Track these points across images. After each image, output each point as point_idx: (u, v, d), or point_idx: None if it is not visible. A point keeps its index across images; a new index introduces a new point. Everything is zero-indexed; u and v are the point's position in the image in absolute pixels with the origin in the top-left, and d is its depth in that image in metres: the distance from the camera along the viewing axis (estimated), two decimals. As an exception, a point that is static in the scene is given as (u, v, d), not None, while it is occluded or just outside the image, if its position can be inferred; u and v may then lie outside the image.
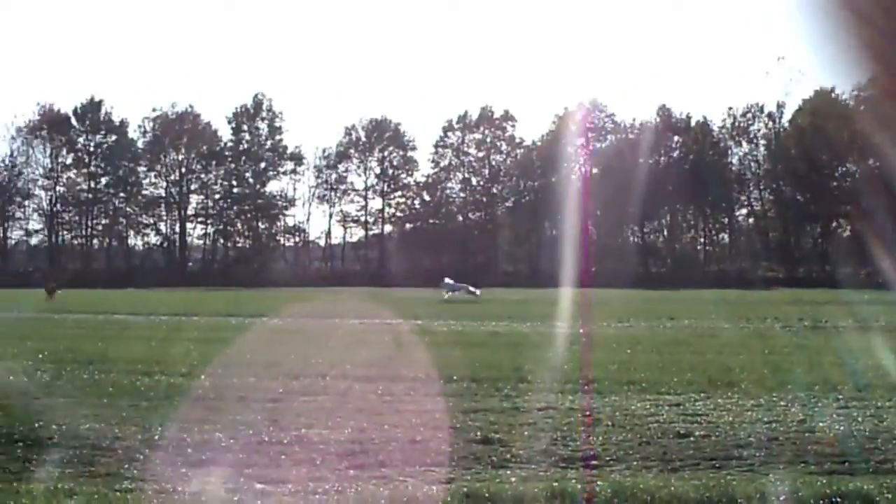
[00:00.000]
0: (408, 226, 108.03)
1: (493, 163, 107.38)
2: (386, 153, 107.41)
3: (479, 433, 9.92)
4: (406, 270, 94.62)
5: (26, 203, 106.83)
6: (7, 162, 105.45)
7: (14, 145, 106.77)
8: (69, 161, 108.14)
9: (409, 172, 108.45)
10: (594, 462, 8.73)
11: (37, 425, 10.02)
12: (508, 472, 8.33)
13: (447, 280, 51.63)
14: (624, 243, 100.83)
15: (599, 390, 13.24)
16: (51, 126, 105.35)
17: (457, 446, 9.32)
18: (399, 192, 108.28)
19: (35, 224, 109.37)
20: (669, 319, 30.30)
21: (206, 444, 9.32)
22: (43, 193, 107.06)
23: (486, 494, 7.24)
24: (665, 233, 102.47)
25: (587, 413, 11.24)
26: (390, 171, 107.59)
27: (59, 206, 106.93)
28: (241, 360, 17.09)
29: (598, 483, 7.67)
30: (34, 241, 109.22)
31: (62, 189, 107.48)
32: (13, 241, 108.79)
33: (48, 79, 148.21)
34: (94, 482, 7.59)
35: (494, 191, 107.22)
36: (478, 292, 48.67)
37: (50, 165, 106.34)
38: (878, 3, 0.94)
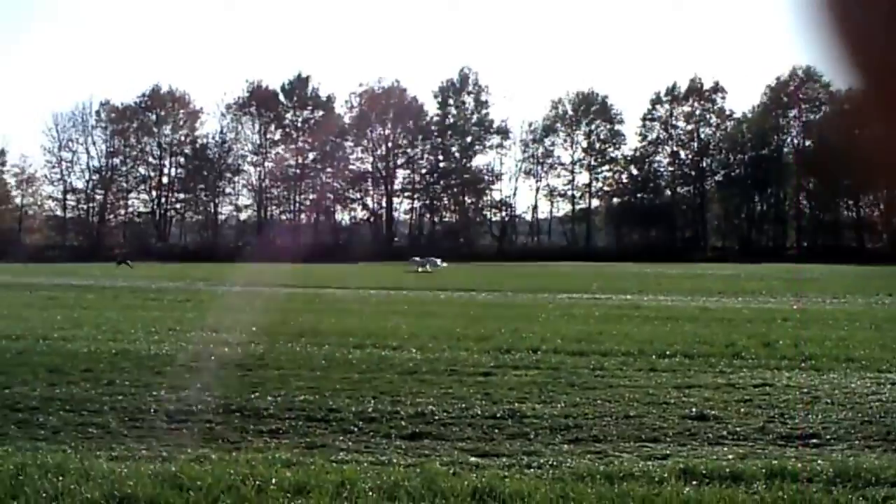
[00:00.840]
0: (615, 200, 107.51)
1: (703, 136, 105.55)
2: (593, 127, 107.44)
3: (693, 409, 9.84)
4: (613, 245, 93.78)
5: (236, 179, 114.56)
6: (217, 138, 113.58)
7: (224, 122, 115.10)
8: (277, 137, 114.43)
9: (617, 146, 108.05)
10: (814, 440, 8.51)
11: (253, 396, 10.63)
12: (725, 448, 8.21)
13: (415, 258, 59.48)
14: (838, 218, 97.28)
15: (817, 367, 13.15)
16: (259, 102, 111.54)
17: (671, 422, 9.28)
18: (606, 167, 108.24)
19: (244, 199, 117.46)
20: (888, 296, 29.69)
21: (418, 416, 9.60)
22: (252, 169, 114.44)
23: (704, 471, 7.12)
24: (881, 207, 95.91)
25: (805, 390, 11.09)
26: (597, 145, 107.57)
27: (267, 181, 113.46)
28: (451, 333, 17.68)
29: (819, 462, 7.44)
30: (243, 216, 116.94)
31: (270, 164, 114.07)
32: (223, 217, 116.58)
33: (257, 57, 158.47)
34: (311, 453, 7.90)
35: (703, 164, 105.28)
36: (441, 264, 56.59)
37: (259, 141, 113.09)
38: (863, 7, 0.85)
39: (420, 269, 55.10)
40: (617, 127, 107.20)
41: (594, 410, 9.83)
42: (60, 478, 6.67)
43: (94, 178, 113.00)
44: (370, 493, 6.44)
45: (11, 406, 9.92)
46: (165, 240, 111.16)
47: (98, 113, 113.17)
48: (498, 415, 9.62)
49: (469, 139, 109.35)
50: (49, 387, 11.17)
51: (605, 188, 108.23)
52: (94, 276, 47.07)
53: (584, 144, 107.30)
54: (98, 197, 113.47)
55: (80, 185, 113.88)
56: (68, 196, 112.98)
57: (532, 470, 7.34)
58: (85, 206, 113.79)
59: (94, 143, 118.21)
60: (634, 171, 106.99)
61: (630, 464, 7.53)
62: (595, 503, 6.40)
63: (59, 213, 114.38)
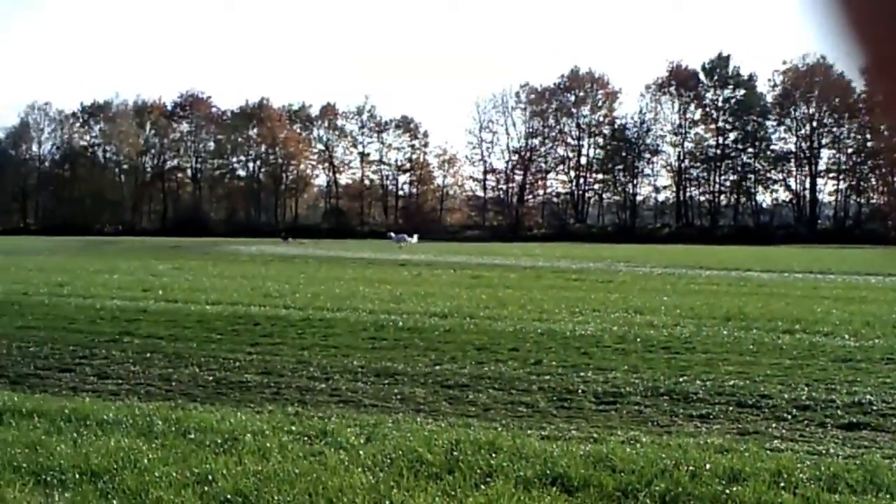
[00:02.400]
0: None
1: None
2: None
3: None
4: None
5: (654, 159, 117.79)
6: (636, 118, 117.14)
7: (643, 102, 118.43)
8: (697, 117, 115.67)
9: None
10: None
11: (681, 380, 11.23)
12: None
13: (390, 234, 69.82)
14: None
15: None
16: (679, 82, 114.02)
17: None
18: None
19: (663, 180, 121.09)
20: None
21: (855, 406, 9.64)
22: (671, 150, 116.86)
23: None
24: None
25: None
26: None
27: (686, 161, 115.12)
28: (886, 320, 17.49)
29: None
30: (661, 197, 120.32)
31: (690, 145, 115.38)
32: (641, 198, 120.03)
33: (676, 37, 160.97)
34: (744, 440, 8.18)
35: None
36: (412, 240, 63.08)
37: (678, 122, 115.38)
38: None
39: (401, 245, 61.11)
40: None
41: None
42: (493, 455, 7.19)
43: (513, 158, 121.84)
44: (808, 484, 6.52)
45: (442, 382, 11.18)
46: (583, 220, 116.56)
47: (518, 95, 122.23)
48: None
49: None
50: (477, 365, 12.44)
51: None
52: (515, 256, 50.53)
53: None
54: (517, 177, 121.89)
55: (499, 165, 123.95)
56: (488, 176, 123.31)
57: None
58: (504, 187, 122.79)
59: (513, 125, 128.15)
60: None
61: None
62: None
63: (479, 193, 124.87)
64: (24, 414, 8.66)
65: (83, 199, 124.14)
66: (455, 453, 7.28)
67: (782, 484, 6.54)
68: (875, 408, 9.49)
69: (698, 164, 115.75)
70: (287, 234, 75.39)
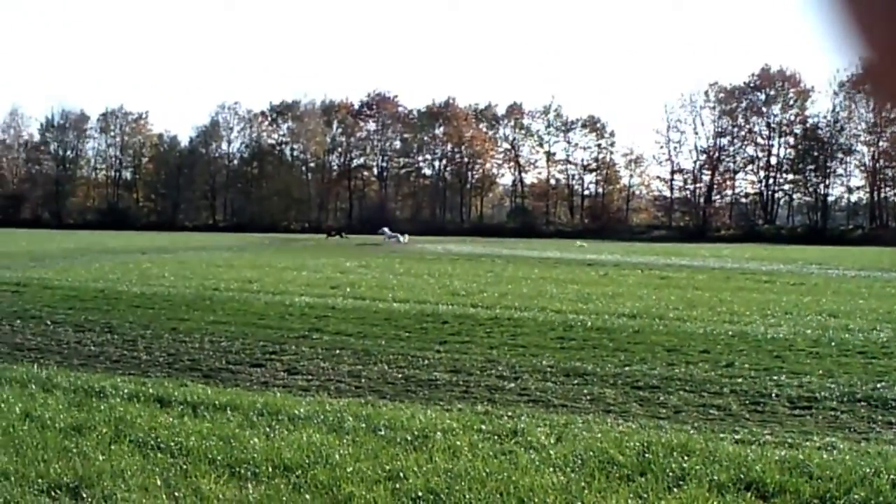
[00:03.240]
0: None
1: None
2: None
3: None
4: None
5: (847, 159, 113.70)
6: (829, 117, 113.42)
7: (836, 100, 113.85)
8: (893, 115, 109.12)
9: None
10: None
11: (879, 385, 10.97)
12: None
13: (384, 230, 68.10)
14: None
15: None
16: None
17: None
18: None
19: (856, 181, 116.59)
20: None
21: None
22: (865, 149, 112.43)
23: None
24: None
25: None
26: None
27: (881, 161, 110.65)
28: None
29: None
30: (854, 197, 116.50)
31: (885, 144, 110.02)
32: (833, 198, 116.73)
33: None
34: None
35: None
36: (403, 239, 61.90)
37: (873, 120, 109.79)
38: None
39: (396, 242, 60.45)
40: None
41: None
42: (685, 458, 7.28)
43: (701, 158, 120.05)
44: None
45: (632, 383, 11.23)
46: (772, 221, 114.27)
47: (706, 94, 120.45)
48: None
49: None
50: (668, 366, 12.45)
51: None
52: (702, 257, 49.67)
53: None
54: (705, 177, 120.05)
55: (687, 165, 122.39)
56: (675, 176, 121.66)
57: None
58: (691, 187, 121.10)
59: (702, 124, 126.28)
60: None
61: None
62: None
63: (665, 193, 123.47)
64: (219, 407, 9.06)
65: (270, 196, 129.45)
66: (647, 455, 7.34)
67: None
68: None
69: (894, 164, 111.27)
70: (336, 231, 75.64)
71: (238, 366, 12.38)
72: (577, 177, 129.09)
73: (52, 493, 6.40)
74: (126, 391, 9.76)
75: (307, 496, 6.40)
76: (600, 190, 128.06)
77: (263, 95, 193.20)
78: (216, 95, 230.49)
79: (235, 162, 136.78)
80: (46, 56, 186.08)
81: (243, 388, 10.60)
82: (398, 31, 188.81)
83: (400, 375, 11.72)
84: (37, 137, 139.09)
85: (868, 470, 6.90)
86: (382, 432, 8.11)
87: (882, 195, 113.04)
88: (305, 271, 31.18)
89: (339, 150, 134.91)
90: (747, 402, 10.23)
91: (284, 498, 6.38)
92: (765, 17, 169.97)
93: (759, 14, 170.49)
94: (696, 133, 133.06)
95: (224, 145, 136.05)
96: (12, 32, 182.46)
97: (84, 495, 6.34)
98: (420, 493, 6.40)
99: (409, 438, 7.88)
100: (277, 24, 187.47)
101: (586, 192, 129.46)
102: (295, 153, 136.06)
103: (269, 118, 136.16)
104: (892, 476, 6.77)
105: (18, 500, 6.26)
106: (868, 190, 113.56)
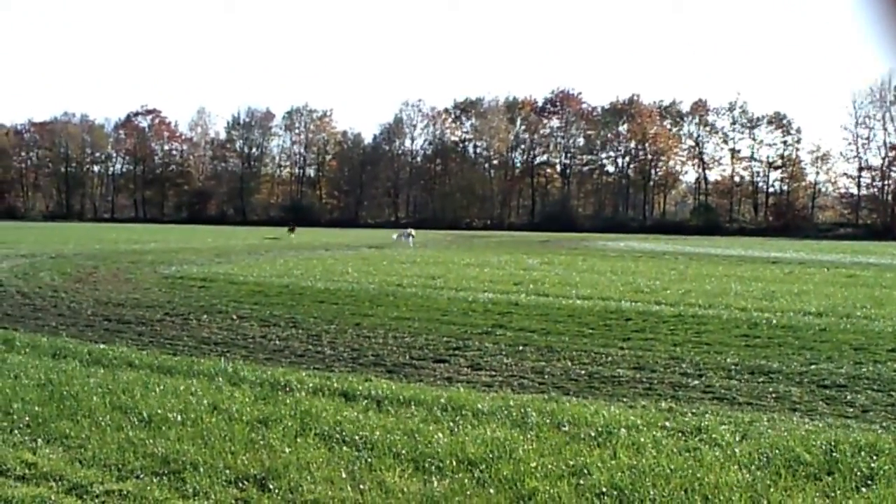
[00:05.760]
0: None
1: None
2: None
3: None
4: None
5: None
6: None
7: None
8: None
9: None
10: None
11: None
12: None
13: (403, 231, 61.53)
14: None
15: None
16: None
17: None
18: None
19: None
20: None
21: None
22: None
23: None
24: None
25: None
26: None
27: None
28: None
29: None
30: None
31: None
32: None
33: None
34: None
35: None
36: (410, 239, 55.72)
37: None
38: None
39: (404, 239, 55.63)
40: None
41: None
42: (874, 458, 7.13)
43: (890, 154, 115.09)
44: None
45: (818, 382, 10.99)
46: None
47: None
48: None
49: None
50: (855, 365, 12.12)
51: None
52: (891, 255, 47.48)
53: None
54: (894, 174, 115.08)
55: (875, 162, 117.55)
56: (863, 173, 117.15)
57: None
58: (879, 184, 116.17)
59: (891, 120, 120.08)
60: None
61: None
62: None
63: (852, 190, 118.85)
64: (403, 402, 9.22)
65: (453, 193, 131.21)
66: (834, 454, 7.24)
67: None
68: None
69: None
70: (293, 226, 71.87)
71: (421, 361, 12.57)
72: (761, 174, 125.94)
73: (240, 485, 6.63)
74: (311, 385, 10.05)
75: (491, 490, 6.43)
76: (785, 187, 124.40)
77: (447, 93, 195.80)
78: (400, 93, 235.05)
79: (418, 159, 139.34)
80: (234, 56, 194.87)
81: (427, 384, 10.74)
82: (581, 28, 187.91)
83: (583, 372, 11.66)
84: (223, 135, 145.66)
85: None
86: (566, 428, 8.09)
87: None
88: (488, 268, 31.38)
89: (522, 147, 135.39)
90: None
91: (469, 492, 6.43)
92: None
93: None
94: (885, 129, 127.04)
95: (407, 142, 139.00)
96: (199, 34, 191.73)
97: (271, 486, 6.56)
98: (604, 489, 6.36)
99: (592, 434, 7.85)
100: (461, 20, 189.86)
101: (771, 190, 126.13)
102: (478, 150, 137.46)
103: (453, 115, 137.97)
104: None
105: (207, 490, 6.52)
106: None
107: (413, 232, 59.97)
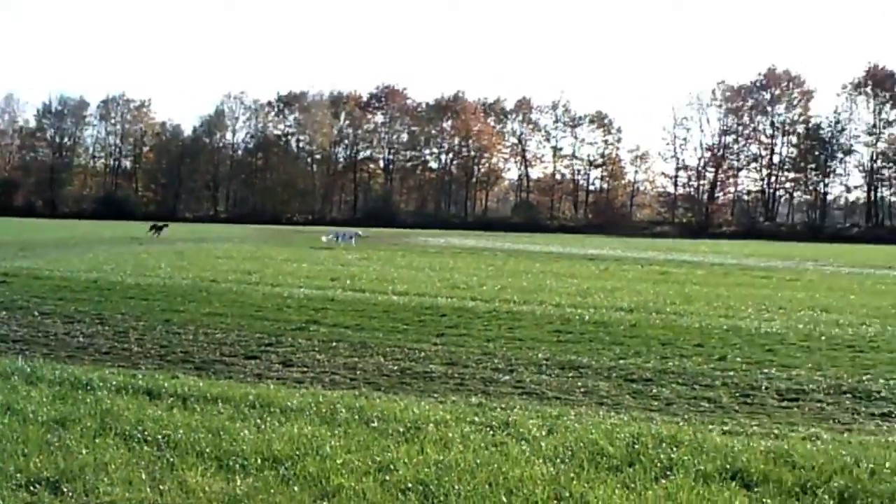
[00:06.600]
0: None
1: None
2: None
3: None
4: None
5: (847, 159, 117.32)
6: (831, 118, 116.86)
7: (839, 101, 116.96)
8: (892, 117, 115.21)
9: None
10: None
11: (864, 378, 11.32)
12: None
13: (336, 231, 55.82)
14: None
15: None
16: (876, 82, 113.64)
17: None
18: None
19: (855, 180, 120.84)
20: None
21: None
22: (864, 150, 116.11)
23: None
24: None
25: None
26: None
27: (879, 162, 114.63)
28: None
29: None
30: (852, 196, 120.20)
31: (884, 145, 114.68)
32: (832, 197, 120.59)
33: (875, 37, 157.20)
34: None
35: None
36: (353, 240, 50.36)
37: (873, 122, 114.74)
38: None
39: (342, 240, 50.54)
40: None
41: None
42: (674, 448, 7.40)
43: (706, 155, 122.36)
44: None
45: (626, 376, 11.43)
46: (773, 219, 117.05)
47: (714, 92, 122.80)
48: None
49: None
50: (662, 359, 12.65)
51: None
52: (703, 253, 50.18)
53: None
54: (709, 174, 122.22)
55: (692, 162, 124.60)
56: (680, 173, 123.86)
57: None
58: (695, 184, 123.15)
59: (708, 122, 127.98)
60: None
61: None
62: None
63: (669, 189, 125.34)
64: (209, 399, 9.02)
65: (274, 187, 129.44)
66: (636, 446, 7.47)
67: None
68: None
69: (891, 164, 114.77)
70: (159, 227, 61.89)
71: (232, 358, 12.37)
72: (582, 172, 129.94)
73: (31, 488, 6.32)
74: (114, 383, 9.68)
75: (295, 488, 6.37)
76: (605, 185, 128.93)
77: (270, 86, 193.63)
78: (222, 85, 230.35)
79: (239, 152, 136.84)
80: (46, 41, 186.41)
81: (236, 381, 10.57)
82: (408, 24, 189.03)
83: (396, 368, 11.73)
84: (32, 124, 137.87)
85: (848, 459, 7.09)
86: (375, 424, 8.09)
87: (879, 195, 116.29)
88: (306, 263, 31.18)
89: (346, 142, 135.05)
90: (737, 394, 10.48)
91: (272, 490, 6.34)
92: (772, 18, 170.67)
93: (767, 14, 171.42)
94: (702, 131, 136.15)
95: (228, 135, 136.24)
96: (10, 16, 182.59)
97: (64, 489, 6.28)
98: (409, 485, 6.38)
99: (400, 430, 7.88)
100: (286, 14, 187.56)
101: (591, 188, 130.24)
102: (301, 144, 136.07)
103: (276, 109, 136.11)
104: (870, 465, 6.94)
105: (-6, 495, 6.19)
106: (865, 189, 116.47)
107: (360, 232, 55.30)
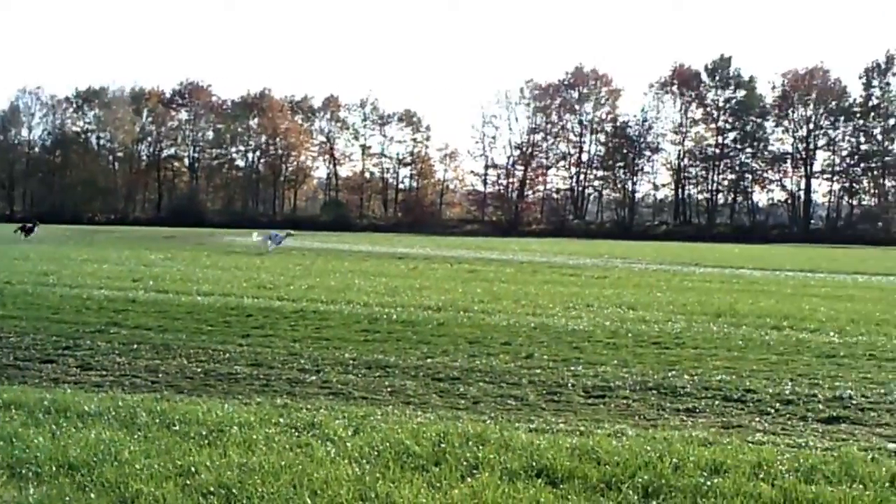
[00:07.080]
0: None
1: None
2: None
3: None
4: None
5: (655, 157, 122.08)
6: (638, 116, 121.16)
7: (646, 100, 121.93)
8: (698, 116, 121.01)
9: None
10: None
11: (670, 374, 11.62)
12: None
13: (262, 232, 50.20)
14: None
15: None
16: (682, 82, 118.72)
17: None
18: None
19: (662, 178, 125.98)
20: None
21: (836, 400, 10.08)
22: (671, 148, 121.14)
23: None
24: None
25: None
26: None
27: (686, 160, 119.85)
28: (870, 317, 18.39)
29: None
30: (660, 194, 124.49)
31: (690, 144, 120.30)
32: (640, 195, 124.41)
33: (680, 38, 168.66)
34: (727, 433, 8.49)
35: None
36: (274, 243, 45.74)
37: (679, 120, 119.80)
38: None
39: (272, 243, 46.07)
40: None
41: None
42: (480, 447, 7.42)
43: (514, 153, 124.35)
44: (786, 475, 6.78)
45: (433, 375, 11.44)
46: (582, 217, 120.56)
47: (521, 90, 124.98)
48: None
49: (892, 121, 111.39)
50: (469, 358, 12.69)
51: None
52: (512, 251, 51.16)
53: None
54: (518, 172, 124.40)
55: (500, 160, 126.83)
56: (489, 171, 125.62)
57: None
58: (504, 182, 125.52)
59: (516, 120, 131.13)
60: None
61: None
62: None
63: (479, 187, 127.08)
64: (1, 406, 8.60)
65: (74, 186, 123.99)
66: (442, 445, 7.49)
67: (762, 475, 6.82)
68: (855, 402, 9.99)
69: (697, 162, 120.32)
70: (25, 227, 56.17)
71: (27, 362, 11.83)
72: (391, 170, 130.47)
73: None
74: None
75: (92, 495, 6.16)
76: (414, 184, 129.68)
77: (69, 81, 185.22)
78: (16, 79, 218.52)
79: (37, 150, 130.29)
80: None
81: (31, 386, 10.13)
82: (210, 18, 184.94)
83: (199, 370, 11.48)
84: None
85: (653, 455, 7.23)
86: (176, 427, 7.91)
87: (686, 193, 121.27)
88: (107, 264, 30.08)
89: (149, 139, 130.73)
90: (544, 392, 10.57)
91: (68, 497, 6.13)
92: (580, 17, 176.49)
93: (574, 13, 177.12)
94: (511, 129, 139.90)
95: (24, 132, 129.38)
96: None
97: None
98: (212, 489, 6.26)
99: (203, 433, 7.72)
100: (83, 5, 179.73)
101: (401, 186, 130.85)
102: (101, 142, 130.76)
103: (75, 105, 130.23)
104: (674, 460, 7.11)
105: None
106: (673, 187, 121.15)
107: (292, 232, 51.84)
